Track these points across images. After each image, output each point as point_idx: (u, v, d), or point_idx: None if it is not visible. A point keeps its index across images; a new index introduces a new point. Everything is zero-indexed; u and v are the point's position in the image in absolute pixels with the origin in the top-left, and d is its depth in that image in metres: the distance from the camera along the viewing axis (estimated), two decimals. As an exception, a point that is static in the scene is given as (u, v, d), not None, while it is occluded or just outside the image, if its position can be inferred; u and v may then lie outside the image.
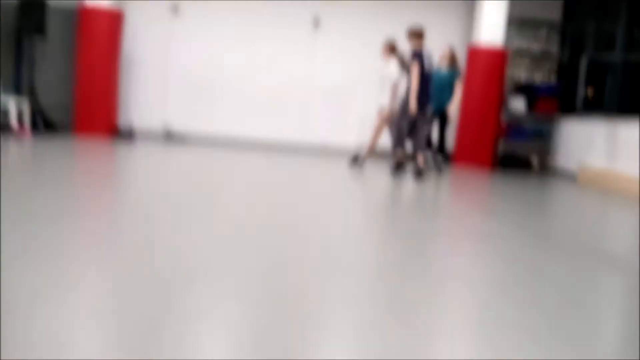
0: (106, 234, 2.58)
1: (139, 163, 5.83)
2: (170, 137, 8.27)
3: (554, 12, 8.70)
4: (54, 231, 2.43)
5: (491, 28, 8.00)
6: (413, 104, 5.65)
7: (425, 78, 5.75)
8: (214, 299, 1.77)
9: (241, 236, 2.70)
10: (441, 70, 6.75)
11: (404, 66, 6.08)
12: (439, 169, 6.51)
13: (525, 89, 8.66)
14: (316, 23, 8.70)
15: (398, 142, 5.98)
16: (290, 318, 1.62)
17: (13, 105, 7.16)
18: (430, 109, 5.99)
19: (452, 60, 6.74)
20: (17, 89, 7.86)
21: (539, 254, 2.82)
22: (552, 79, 8.62)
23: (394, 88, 6.14)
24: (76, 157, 5.43)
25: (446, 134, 6.97)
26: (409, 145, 6.02)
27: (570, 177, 7.74)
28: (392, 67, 6.21)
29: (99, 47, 7.65)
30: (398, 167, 5.91)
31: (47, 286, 1.70)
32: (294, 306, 1.73)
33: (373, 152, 6.30)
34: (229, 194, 3.99)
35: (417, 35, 5.96)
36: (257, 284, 1.97)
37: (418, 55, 5.82)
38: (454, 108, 6.59)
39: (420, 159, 5.78)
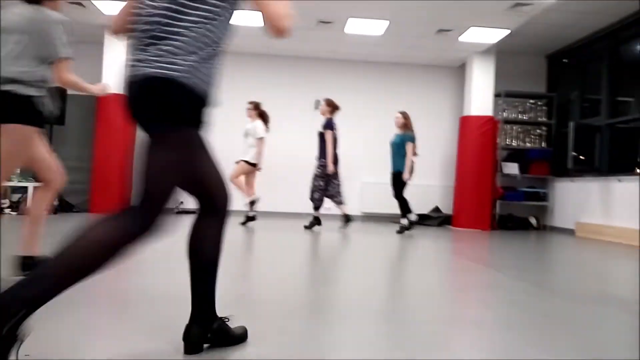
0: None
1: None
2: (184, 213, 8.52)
3: (538, 85, 9.38)
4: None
5: (481, 99, 8.62)
6: (331, 166, 6.73)
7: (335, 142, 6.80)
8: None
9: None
10: (397, 135, 7.02)
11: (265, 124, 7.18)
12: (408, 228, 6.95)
13: (518, 155, 9.12)
14: (317, 105, 9.36)
15: (319, 201, 6.90)
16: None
17: (30, 189, 7.49)
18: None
19: (404, 125, 6.96)
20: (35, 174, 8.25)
21: (545, 300, 2.94)
22: (542, 145, 9.07)
23: (260, 144, 7.02)
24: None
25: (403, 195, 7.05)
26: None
27: (568, 233, 7.96)
28: (257, 125, 7.08)
29: (115, 133, 8.12)
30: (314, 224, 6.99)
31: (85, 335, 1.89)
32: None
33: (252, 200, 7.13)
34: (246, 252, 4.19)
35: (333, 106, 7.00)
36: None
37: (331, 123, 6.85)
38: (406, 170, 6.79)
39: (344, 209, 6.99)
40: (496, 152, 8.64)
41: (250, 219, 7.11)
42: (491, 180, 8.48)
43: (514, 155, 9.18)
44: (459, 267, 3.96)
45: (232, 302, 2.57)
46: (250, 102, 7.36)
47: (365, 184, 9.28)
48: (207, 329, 1.78)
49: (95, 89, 3.18)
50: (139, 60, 1.65)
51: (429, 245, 5.78)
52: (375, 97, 9.56)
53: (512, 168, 8.96)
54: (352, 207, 9.07)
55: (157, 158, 1.64)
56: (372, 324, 2.22)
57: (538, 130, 9.13)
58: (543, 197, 8.89)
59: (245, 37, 8.47)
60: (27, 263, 2.99)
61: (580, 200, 7.93)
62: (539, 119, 9.05)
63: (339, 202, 7.01)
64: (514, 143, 9.10)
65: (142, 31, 1.68)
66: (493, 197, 8.55)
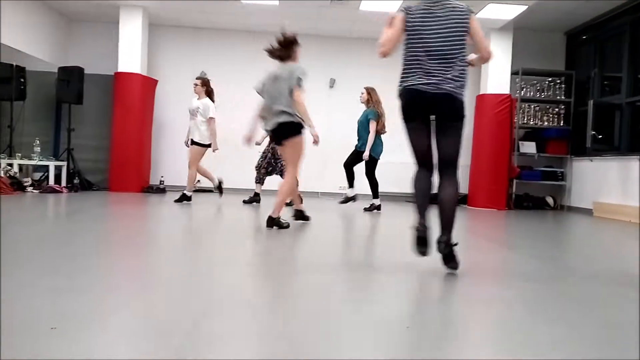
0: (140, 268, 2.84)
1: (164, 208, 6.12)
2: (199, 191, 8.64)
3: (557, 63, 9.19)
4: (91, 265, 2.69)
5: (498, 77, 8.50)
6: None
7: None
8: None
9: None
10: (363, 111, 6.80)
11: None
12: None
13: (535, 133, 9.00)
14: (332, 83, 9.43)
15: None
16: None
17: (52, 168, 7.66)
18: None
19: (368, 101, 6.75)
20: (55, 153, 8.41)
21: (562, 279, 2.95)
22: (561, 124, 8.93)
23: (213, 124, 6.57)
24: (107, 205, 5.77)
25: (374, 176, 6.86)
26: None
27: (586, 213, 7.89)
28: (208, 103, 6.54)
29: (132, 112, 8.20)
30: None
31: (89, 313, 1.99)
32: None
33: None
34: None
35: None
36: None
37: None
38: (367, 148, 6.57)
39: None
40: (513, 130, 8.54)
41: (185, 197, 6.65)
42: (507, 160, 8.41)
43: (531, 134, 9.07)
44: (475, 246, 3.98)
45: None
46: (198, 78, 6.79)
47: (379, 163, 9.25)
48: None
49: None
50: (436, 80, 2.80)
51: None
52: (390, 75, 9.43)
53: (529, 147, 8.86)
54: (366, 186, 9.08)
55: (457, 137, 2.90)
56: (386, 302, 2.26)
57: (556, 109, 8.99)
58: (560, 177, 8.79)
59: (259, 15, 8.44)
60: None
61: (599, 180, 7.83)
62: (557, 98, 8.91)
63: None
64: (532, 122, 8.98)
65: (429, 56, 2.84)
66: (509, 177, 8.47)
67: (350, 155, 6.94)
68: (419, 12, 2.90)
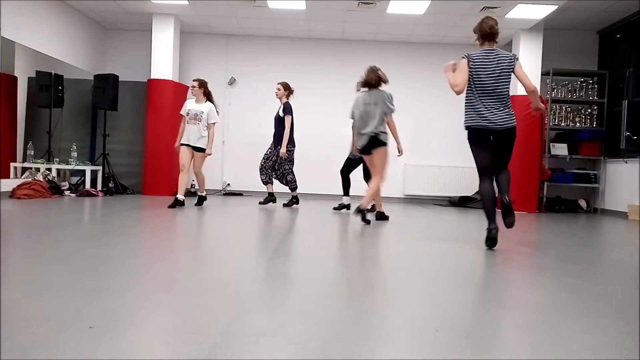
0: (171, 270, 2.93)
1: (194, 211, 6.28)
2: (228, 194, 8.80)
3: (589, 63, 9.01)
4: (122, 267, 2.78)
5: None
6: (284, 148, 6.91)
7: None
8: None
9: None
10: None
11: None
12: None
13: (567, 135, 8.84)
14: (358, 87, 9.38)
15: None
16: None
17: (88, 172, 7.92)
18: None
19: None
20: (91, 158, 8.69)
21: (598, 284, 2.91)
22: (594, 125, 8.75)
23: (213, 129, 6.56)
24: (140, 208, 5.93)
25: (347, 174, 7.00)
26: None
27: (620, 216, 7.70)
28: (211, 107, 6.48)
29: (164, 118, 8.41)
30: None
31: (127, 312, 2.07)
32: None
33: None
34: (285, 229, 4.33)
35: (290, 89, 7.09)
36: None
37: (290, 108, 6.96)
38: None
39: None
40: (544, 132, 8.40)
41: (178, 204, 6.41)
42: (538, 162, 8.28)
43: (562, 135, 8.91)
44: (506, 250, 3.95)
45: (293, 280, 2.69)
46: (196, 80, 6.61)
47: (407, 166, 9.26)
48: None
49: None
50: (500, 116, 3.80)
51: (473, 227, 5.75)
52: (417, 78, 9.45)
53: (560, 149, 8.71)
54: (395, 189, 9.10)
55: (511, 151, 3.92)
56: (419, 306, 2.28)
57: (588, 110, 8.81)
58: (593, 179, 8.61)
59: (287, 21, 8.55)
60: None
61: (634, 182, 7.64)
62: (590, 98, 8.73)
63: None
64: (563, 123, 8.82)
65: (490, 95, 3.84)
66: (540, 179, 8.35)
67: (345, 162, 7.02)
68: (478, 59, 3.86)
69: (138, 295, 2.19)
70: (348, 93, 9.68)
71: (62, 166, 7.83)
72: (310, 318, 1.95)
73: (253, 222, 5.42)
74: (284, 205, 7.19)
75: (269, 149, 7.18)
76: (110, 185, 8.26)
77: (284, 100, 7.05)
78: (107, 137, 8.39)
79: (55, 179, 7.61)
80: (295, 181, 7.16)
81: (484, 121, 3.77)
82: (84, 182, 7.96)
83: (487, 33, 3.94)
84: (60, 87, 7.97)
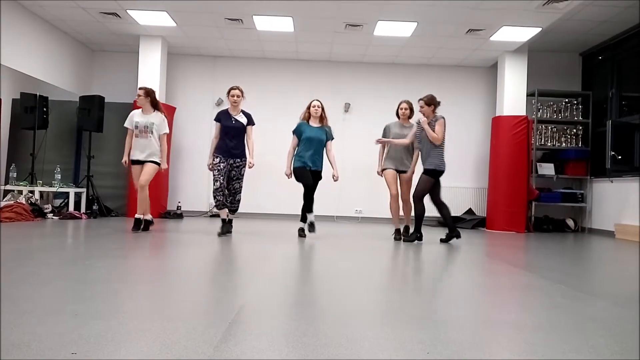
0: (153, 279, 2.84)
1: (184, 230, 6.17)
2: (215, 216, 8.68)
3: (573, 84, 9.16)
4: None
5: (513, 99, 8.49)
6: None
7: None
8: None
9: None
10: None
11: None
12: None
13: (553, 155, 8.92)
14: (347, 108, 9.48)
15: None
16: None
17: (72, 194, 7.78)
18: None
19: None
20: (75, 180, 8.55)
21: (586, 304, 2.87)
22: (579, 144, 8.85)
23: (166, 141, 6.05)
24: (124, 231, 5.80)
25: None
26: None
27: (608, 235, 7.73)
28: (161, 118, 5.98)
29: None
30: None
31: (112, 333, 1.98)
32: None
33: None
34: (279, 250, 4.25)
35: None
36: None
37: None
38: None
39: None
40: (530, 152, 8.48)
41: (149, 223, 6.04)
42: (526, 182, 8.33)
43: (549, 155, 9.00)
44: (495, 270, 3.91)
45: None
46: (142, 88, 6.01)
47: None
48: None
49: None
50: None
51: (463, 247, 5.72)
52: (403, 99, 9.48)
53: (547, 169, 8.78)
54: (385, 210, 9.04)
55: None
56: (408, 326, 2.23)
57: (574, 130, 8.92)
58: (580, 198, 8.67)
59: (274, 43, 8.58)
60: None
61: (620, 201, 7.70)
62: (575, 118, 8.84)
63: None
64: (549, 143, 8.91)
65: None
66: (528, 199, 8.38)
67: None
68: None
69: (122, 320, 2.10)
70: (338, 113, 9.78)
71: (45, 188, 7.68)
72: (303, 345, 1.88)
73: (241, 245, 5.33)
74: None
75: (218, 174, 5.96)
76: (94, 207, 8.11)
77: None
78: (92, 159, 8.27)
79: (38, 201, 7.45)
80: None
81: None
82: (67, 204, 7.81)
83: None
84: (45, 109, 7.87)
